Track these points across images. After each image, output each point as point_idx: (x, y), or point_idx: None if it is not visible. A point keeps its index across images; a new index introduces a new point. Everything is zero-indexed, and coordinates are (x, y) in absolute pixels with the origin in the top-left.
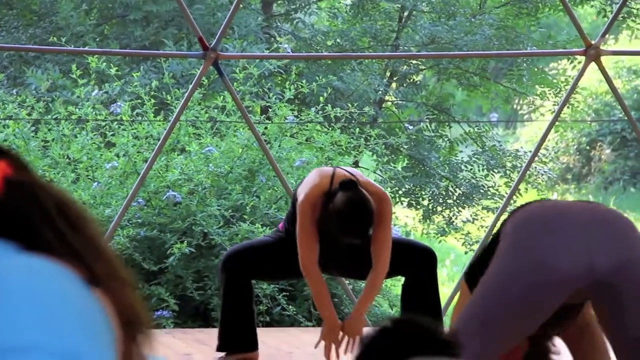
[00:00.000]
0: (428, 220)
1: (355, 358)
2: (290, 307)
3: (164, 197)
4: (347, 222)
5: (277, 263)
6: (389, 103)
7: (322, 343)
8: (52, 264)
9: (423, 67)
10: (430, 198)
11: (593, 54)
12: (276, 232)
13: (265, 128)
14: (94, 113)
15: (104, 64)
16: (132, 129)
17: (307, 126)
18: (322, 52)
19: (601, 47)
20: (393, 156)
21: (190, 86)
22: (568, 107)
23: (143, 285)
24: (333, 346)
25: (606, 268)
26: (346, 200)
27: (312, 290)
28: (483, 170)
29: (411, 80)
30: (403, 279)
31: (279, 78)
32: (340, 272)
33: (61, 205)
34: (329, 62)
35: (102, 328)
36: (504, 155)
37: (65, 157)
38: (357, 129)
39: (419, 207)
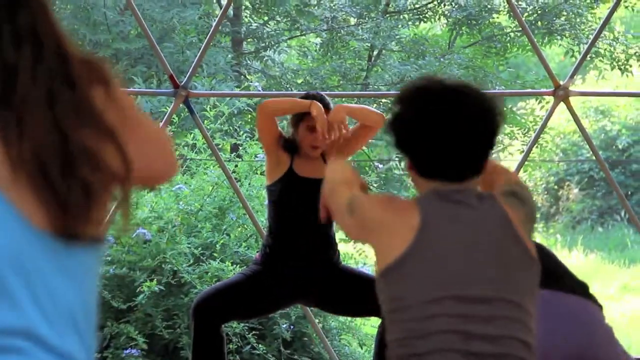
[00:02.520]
0: None
1: (396, 100)
2: (260, 346)
3: (134, 235)
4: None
5: (250, 301)
6: None
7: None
8: None
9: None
10: None
11: (562, 94)
12: (251, 266)
13: (236, 166)
14: None
15: None
16: None
17: None
18: (291, 90)
19: (570, 88)
20: None
21: (161, 124)
22: (536, 147)
23: (112, 323)
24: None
25: (565, 355)
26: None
27: (284, 106)
28: None
29: None
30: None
31: (249, 116)
32: (330, 307)
33: (25, 32)
34: None
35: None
36: None
37: None
38: None
39: None
